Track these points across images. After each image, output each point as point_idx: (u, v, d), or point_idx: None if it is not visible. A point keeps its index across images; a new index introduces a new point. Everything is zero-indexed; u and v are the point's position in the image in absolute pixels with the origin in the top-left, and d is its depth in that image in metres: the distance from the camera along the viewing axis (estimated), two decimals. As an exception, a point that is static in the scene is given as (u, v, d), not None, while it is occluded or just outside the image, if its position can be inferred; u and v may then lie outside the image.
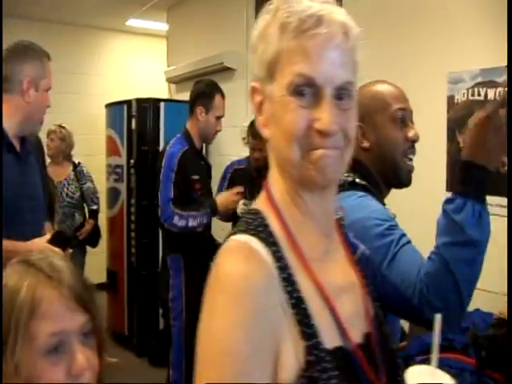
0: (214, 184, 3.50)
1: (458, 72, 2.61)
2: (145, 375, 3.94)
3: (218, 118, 3.07)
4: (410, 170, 1.37)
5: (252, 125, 3.71)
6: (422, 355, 1.55)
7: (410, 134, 1.35)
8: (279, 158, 0.81)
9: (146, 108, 4.56)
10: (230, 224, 3.63)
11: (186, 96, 3.47)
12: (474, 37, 2.54)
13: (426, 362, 1.07)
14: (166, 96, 5.52)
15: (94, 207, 4.58)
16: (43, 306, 0.95)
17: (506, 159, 1.13)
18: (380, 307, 0.89)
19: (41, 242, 1.91)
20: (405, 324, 1.77)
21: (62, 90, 5.04)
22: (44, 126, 2.27)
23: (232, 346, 0.68)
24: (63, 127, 4.49)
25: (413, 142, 1.36)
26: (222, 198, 3.08)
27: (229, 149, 4.53)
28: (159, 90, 5.62)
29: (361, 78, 0.84)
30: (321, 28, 0.74)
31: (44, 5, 5.29)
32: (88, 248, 4.56)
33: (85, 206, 4.58)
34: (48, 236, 1.96)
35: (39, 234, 2.01)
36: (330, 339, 0.74)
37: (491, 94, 2.40)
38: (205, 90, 3.06)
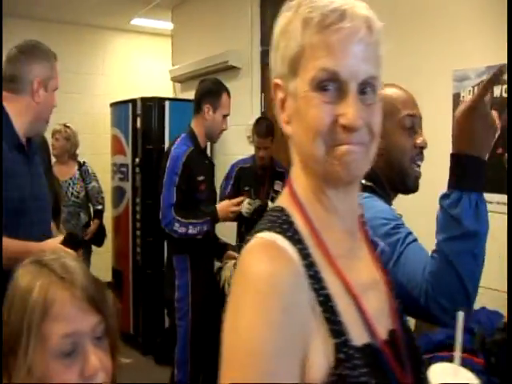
0: (217, 182, 3.49)
1: (463, 69, 2.60)
2: (150, 374, 3.95)
3: (225, 116, 3.06)
4: (418, 176, 1.36)
5: (257, 123, 3.72)
6: (429, 353, 1.54)
7: (419, 140, 1.34)
8: (302, 155, 0.80)
9: (151, 107, 4.57)
10: (231, 223, 3.63)
11: (190, 95, 3.46)
12: (478, 34, 2.53)
13: (433, 360, 1.07)
14: (170, 95, 5.53)
15: (99, 207, 4.59)
16: (56, 308, 0.95)
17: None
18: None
19: (53, 243, 1.92)
20: (410, 320, 1.76)
21: (67, 90, 5.04)
22: (49, 125, 2.27)
23: (259, 345, 0.67)
24: (68, 127, 4.49)
25: (421, 148, 1.35)
26: (223, 207, 3.07)
27: (233, 148, 4.53)
28: (164, 88, 5.62)
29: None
30: (344, 22, 0.73)
31: (44, 4, 5.30)
32: (93, 247, 4.57)
33: (90, 205, 4.59)
34: (61, 237, 1.96)
35: (46, 234, 2.02)
36: (357, 336, 0.73)
37: (497, 91, 2.38)
38: (212, 88, 3.04)
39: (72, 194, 4.40)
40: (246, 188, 3.41)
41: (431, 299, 1.08)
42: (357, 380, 0.70)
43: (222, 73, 4.44)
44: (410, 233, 1.20)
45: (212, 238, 3.13)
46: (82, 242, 2.10)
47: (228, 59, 4.44)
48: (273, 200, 3.52)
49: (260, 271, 0.70)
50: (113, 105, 5.07)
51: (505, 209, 2.14)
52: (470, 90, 2.56)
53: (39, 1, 5.20)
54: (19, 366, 0.94)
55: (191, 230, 2.88)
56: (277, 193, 3.62)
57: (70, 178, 4.43)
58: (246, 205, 3.25)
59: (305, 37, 0.75)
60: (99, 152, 5.60)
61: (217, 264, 3.22)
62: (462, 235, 1.06)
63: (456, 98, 2.62)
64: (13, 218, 1.86)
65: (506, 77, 1.15)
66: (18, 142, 1.97)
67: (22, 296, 0.97)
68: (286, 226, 0.77)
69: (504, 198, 2.26)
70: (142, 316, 4.58)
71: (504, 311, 1.94)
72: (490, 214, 1.10)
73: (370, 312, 0.77)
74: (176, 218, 2.84)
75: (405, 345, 0.81)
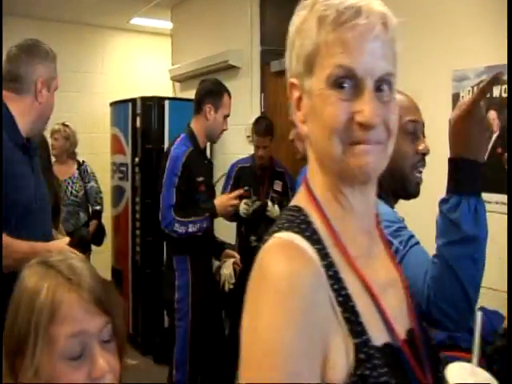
0: (217, 183, 3.49)
1: (462, 70, 2.60)
2: (150, 373, 3.95)
3: (226, 116, 3.06)
4: (419, 182, 1.36)
5: (257, 122, 3.72)
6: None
7: (421, 147, 1.33)
8: (319, 153, 0.80)
9: (151, 106, 4.57)
10: (231, 223, 3.63)
11: (190, 94, 3.46)
12: (478, 34, 2.52)
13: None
14: (170, 94, 5.53)
15: (97, 208, 4.58)
16: (63, 310, 0.95)
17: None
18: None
19: (60, 244, 1.92)
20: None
21: (66, 89, 5.02)
22: (47, 124, 2.26)
23: (279, 346, 0.66)
24: (67, 126, 4.48)
25: (423, 154, 1.34)
26: (221, 201, 3.06)
27: (233, 147, 4.53)
28: (164, 88, 5.62)
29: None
30: (360, 19, 0.73)
31: (44, 3, 5.28)
32: (93, 246, 4.56)
33: (89, 205, 4.59)
34: (67, 238, 1.96)
35: (47, 234, 2.02)
36: (377, 336, 0.73)
37: (497, 91, 2.38)
38: (213, 88, 3.04)
39: (71, 193, 4.39)
40: (246, 187, 3.41)
41: (433, 304, 1.07)
42: (377, 380, 0.69)
43: (221, 72, 4.44)
44: (412, 236, 1.19)
45: (211, 237, 3.14)
46: (90, 244, 2.12)
47: (228, 59, 4.43)
48: (272, 199, 3.52)
49: (279, 271, 0.69)
50: (112, 104, 5.06)
51: (504, 209, 2.14)
52: (469, 90, 2.56)
53: (39, 0, 5.20)
54: (26, 367, 0.93)
55: (191, 229, 2.88)
56: (276, 192, 3.62)
57: (70, 178, 4.42)
58: (243, 205, 3.25)
59: (320, 35, 0.75)
60: (98, 151, 5.60)
61: (216, 263, 3.22)
62: (461, 240, 1.06)
63: (455, 98, 2.62)
64: (17, 219, 1.87)
65: (505, 77, 1.15)
66: (22, 143, 1.96)
67: (30, 297, 0.96)
68: (304, 226, 0.76)
69: (503, 197, 2.26)
70: (141, 315, 4.58)
71: (504, 311, 1.94)
72: (489, 213, 1.10)
73: (389, 311, 0.77)
74: (176, 218, 2.84)
75: (423, 344, 0.81)
